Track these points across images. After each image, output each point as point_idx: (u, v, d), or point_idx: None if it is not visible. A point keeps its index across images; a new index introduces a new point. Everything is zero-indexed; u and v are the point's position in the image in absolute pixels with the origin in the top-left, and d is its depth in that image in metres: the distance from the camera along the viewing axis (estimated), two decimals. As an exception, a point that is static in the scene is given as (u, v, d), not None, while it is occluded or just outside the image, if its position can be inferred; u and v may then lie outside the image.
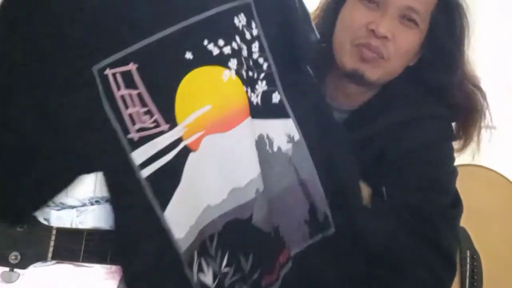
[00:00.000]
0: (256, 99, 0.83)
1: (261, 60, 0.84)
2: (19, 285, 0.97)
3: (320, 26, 1.03)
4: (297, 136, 0.87)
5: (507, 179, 1.24)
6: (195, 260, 0.79)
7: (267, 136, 0.84)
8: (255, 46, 0.84)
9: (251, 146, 0.81)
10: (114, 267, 1.01)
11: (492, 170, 1.24)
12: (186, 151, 0.77)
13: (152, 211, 0.75)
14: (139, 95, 0.74)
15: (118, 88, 0.73)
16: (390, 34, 0.99)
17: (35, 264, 0.94)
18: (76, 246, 0.93)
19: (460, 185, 1.06)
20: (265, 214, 0.83)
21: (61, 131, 0.73)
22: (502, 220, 1.22)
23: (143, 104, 0.74)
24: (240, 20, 0.81)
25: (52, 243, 0.93)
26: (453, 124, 1.10)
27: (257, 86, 0.84)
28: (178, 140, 0.76)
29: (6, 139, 0.72)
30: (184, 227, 0.77)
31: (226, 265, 0.80)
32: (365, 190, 1.05)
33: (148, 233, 0.77)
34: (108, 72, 0.72)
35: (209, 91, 0.78)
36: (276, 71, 0.86)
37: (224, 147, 0.79)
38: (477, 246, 1.17)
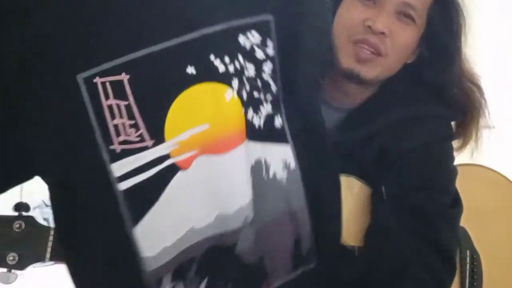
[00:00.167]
0: (258, 121, 0.80)
1: (271, 82, 0.80)
2: (17, 286, 0.97)
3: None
4: (293, 164, 0.84)
5: (507, 179, 1.23)
6: (169, 282, 0.76)
7: (265, 161, 0.81)
8: (267, 67, 0.79)
9: (245, 171, 0.78)
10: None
11: (492, 169, 1.24)
12: (173, 169, 0.74)
13: (122, 224, 0.73)
14: (128, 107, 0.71)
15: (107, 98, 0.71)
16: (388, 30, 0.99)
17: (33, 265, 0.94)
18: (74, 247, 0.93)
19: (460, 184, 1.06)
20: (251, 244, 0.80)
21: (39, 131, 0.72)
22: (503, 220, 1.22)
23: (130, 116, 0.71)
24: (248, 38, 0.77)
25: (50, 244, 0.92)
26: (452, 123, 1.11)
27: (262, 108, 0.80)
28: (164, 157, 0.74)
29: None
30: (156, 247, 0.75)
31: None
32: (365, 190, 1.05)
33: (114, 246, 0.75)
34: (98, 80, 0.70)
35: (209, 109, 0.75)
36: (282, 94, 0.82)
37: (217, 170, 0.76)
38: (477, 246, 1.17)
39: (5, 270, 0.92)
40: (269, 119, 0.81)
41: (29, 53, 0.69)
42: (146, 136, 0.72)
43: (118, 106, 0.71)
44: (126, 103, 0.71)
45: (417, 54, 1.07)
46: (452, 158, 1.08)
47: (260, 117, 0.80)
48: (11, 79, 0.71)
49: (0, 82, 0.71)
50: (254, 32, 0.78)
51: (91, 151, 0.71)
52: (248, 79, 0.78)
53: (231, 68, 0.76)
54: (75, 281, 0.78)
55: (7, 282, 0.92)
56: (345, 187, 1.05)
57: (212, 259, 0.78)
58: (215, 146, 0.76)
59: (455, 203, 1.05)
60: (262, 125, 0.80)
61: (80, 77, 0.70)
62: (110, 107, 0.71)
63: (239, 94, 0.77)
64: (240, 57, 0.77)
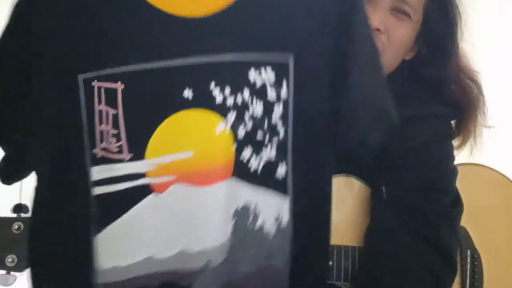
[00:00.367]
0: (256, 164, 0.74)
1: (279, 125, 0.75)
2: (16, 288, 0.97)
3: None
4: (285, 219, 0.76)
5: (508, 178, 1.23)
6: None
7: (254, 208, 0.75)
8: (278, 109, 0.74)
9: (223, 211, 0.73)
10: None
11: (492, 169, 1.24)
12: (146, 190, 0.72)
13: (88, 228, 0.73)
14: (115, 116, 0.71)
15: (99, 102, 0.71)
16: (383, 27, 0.99)
17: (32, 267, 0.94)
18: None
19: (461, 184, 1.05)
20: None
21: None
22: (503, 219, 1.22)
23: (115, 125, 0.71)
24: (261, 74, 0.73)
25: (49, 245, 0.92)
26: (452, 122, 1.10)
27: (263, 151, 0.75)
28: (140, 175, 0.72)
29: None
30: (109, 261, 0.73)
31: None
32: (365, 190, 1.04)
33: (75, 247, 0.74)
34: (95, 83, 0.71)
35: (197, 136, 0.73)
36: (293, 143, 0.75)
37: (192, 202, 0.73)
38: (477, 245, 1.16)
39: (4, 272, 0.92)
40: (270, 165, 0.75)
41: (29, 53, 0.71)
42: (124, 148, 0.72)
43: (107, 113, 0.71)
44: (115, 112, 0.71)
45: (416, 51, 1.07)
46: (452, 158, 1.07)
47: (259, 160, 0.75)
48: (12, 78, 0.73)
49: (0, 82, 0.73)
50: (269, 70, 0.73)
51: (78, 150, 0.73)
52: (253, 117, 0.74)
53: (230, 100, 0.72)
54: (32, 275, 0.78)
55: (6, 284, 0.92)
56: (345, 187, 1.05)
57: None
58: (195, 176, 0.73)
59: (456, 203, 1.04)
60: (259, 169, 0.74)
61: (81, 77, 0.71)
62: (100, 112, 0.72)
63: (234, 129, 0.73)
64: (246, 92, 0.73)
